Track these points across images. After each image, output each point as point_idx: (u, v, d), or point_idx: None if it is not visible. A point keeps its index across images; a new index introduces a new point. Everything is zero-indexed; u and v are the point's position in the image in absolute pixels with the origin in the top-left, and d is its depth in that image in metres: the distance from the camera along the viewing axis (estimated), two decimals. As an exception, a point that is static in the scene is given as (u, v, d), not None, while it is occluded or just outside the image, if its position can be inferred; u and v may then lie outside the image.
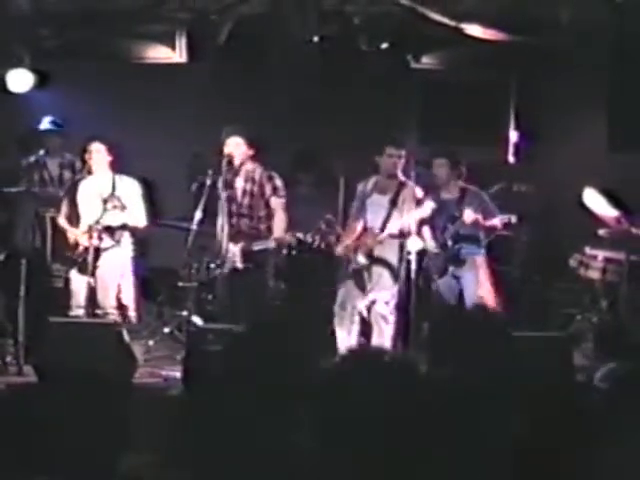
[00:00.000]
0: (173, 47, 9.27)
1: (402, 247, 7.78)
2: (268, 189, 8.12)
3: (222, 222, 8.17)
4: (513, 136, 9.83)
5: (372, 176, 8.10)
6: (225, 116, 8.82)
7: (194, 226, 8.15)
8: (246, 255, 8.05)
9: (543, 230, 9.52)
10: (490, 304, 7.88)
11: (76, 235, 8.00)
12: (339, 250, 8.02)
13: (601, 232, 8.19)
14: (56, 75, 9.07)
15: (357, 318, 7.89)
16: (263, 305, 7.96)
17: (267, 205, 8.13)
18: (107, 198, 7.88)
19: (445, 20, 8.57)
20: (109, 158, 8.03)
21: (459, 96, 9.80)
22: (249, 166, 8.15)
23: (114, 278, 7.99)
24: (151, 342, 8.37)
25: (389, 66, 9.30)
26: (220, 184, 8.15)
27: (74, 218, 8.12)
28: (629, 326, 7.93)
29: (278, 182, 8.15)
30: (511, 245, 9.22)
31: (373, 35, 9.07)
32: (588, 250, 8.31)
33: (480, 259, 8.12)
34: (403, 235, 7.79)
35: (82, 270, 7.86)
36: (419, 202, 7.77)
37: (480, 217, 7.88)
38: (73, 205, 8.16)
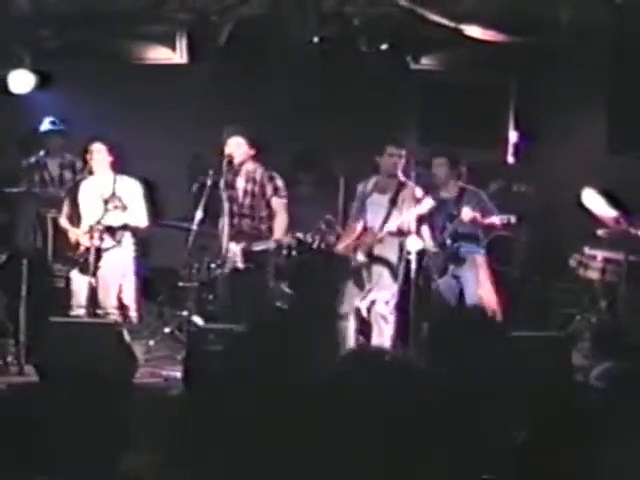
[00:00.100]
0: (173, 48, 9.29)
1: (402, 247, 7.80)
2: (269, 189, 8.13)
3: (223, 222, 8.19)
4: (513, 136, 9.84)
5: (372, 176, 8.13)
6: (225, 117, 8.84)
7: (195, 226, 8.18)
8: (247, 255, 8.07)
9: (543, 230, 9.53)
10: (490, 303, 7.89)
11: (77, 235, 8.01)
12: (339, 248, 8.04)
13: (600, 232, 8.20)
14: (57, 76, 9.08)
15: (355, 317, 7.90)
16: (263, 305, 7.98)
17: (268, 205, 8.14)
18: (108, 198, 7.88)
19: (444, 21, 8.58)
20: (110, 158, 8.04)
21: (459, 97, 9.82)
22: (250, 166, 8.16)
23: (115, 278, 8.00)
24: (152, 342, 8.38)
25: (389, 67, 9.31)
26: (221, 184, 8.17)
27: (75, 218, 8.13)
28: (628, 326, 7.94)
29: (279, 182, 8.17)
30: (511, 245, 9.23)
31: (373, 36, 9.08)
32: (587, 250, 8.31)
33: (480, 258, 8.12)
34: (402, 233, 7.81)
35: (83, 270, 7.87)
36: (418, 201, 7.79)
37: (478, 215, 7.89)
38: (74, 205, 8.17)
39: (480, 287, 7.98)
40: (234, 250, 8.08)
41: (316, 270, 8.40)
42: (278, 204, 8.13)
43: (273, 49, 8.99)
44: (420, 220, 7.84)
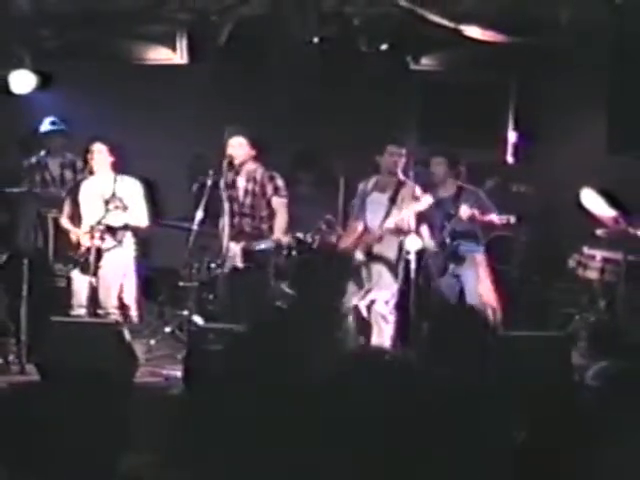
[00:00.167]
0: (174, 48, 9.29)
1: (401, 246, 7.82)
2: (270, 189, 8.16)
3: (223, 222, 8.22)
4: (512, 137, 9.85)
5: (373, 176, 8.16)
6: (225, 117, 8.85)
7: (195, 226, 8.20)
8: (247, 255, 8.09)
9: (542, 230, 9.54)
10: (490, 301, 7.90)
11: (78, 235, 8.02)
12: (340, 246, 8.08)
13: (599, 232, 8.21)
14: (57, 76, 9.08)
15: (355, 316, 7.92)
16: (263, 305, 7.99)
17: (269, 205, 8.17)
18: (109, 199, 7.89)
19: (444, 21, 8.58)
20: (111, 159, 8.05)
21: (458, 97, 9.82)
22: (251, 166, 8.18)
23: (116, 278, 8.02)
24: (152, 341, 8.40)
25: (388, 67, 9.31)
26: (221, 184, 8.19)
27: (76, 218, 8.14)
28: (626, 326, 7.95)
29: (279, 182, 8.19)
30: (510, 245, 9.24)
31: (372, 36, 9.08)
32: (586, 250, 8.32)
33: (480, 257, 8.13)
34: (401, 231, 7.83)
35: (84, 270, 7.88)
36: (417, 199, 7.81)
37: (477, 212, 7.89)
38: (75, 205, 8.18)
39: (480, 285, 7.98)
40: (234, 250, 8.10)
41: (316, 270, 8.41)
42: (278, 204, 8.16)
43: (273, 49, 9.00)
44: (419, 218, 7.86)
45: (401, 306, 7.82)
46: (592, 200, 8.21)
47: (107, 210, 7.87)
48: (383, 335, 7.82)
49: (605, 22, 8.71)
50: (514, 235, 9.22)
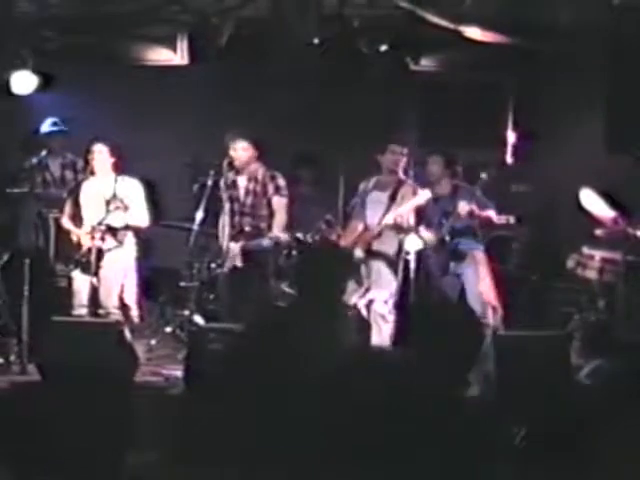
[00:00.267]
0: (174, 49, 9.31)
1: (400, 244, 7.84)
2: (271, 188, 8.20)
3: (224, 222, 8.25)
4: (512, 137, 9.86)
5: (374, 176, 8.20)
6: (226, 117, 8.90)
7: (196, 226, 8.24)
8: (246, 254, 8.12)
9: (542, 230, 9.55)
10: (490, 299, 7.91)
11: (79, 236, 8.05)
12: (340, 245, 8.10)
13: (598, 232, 8.21)
14: (59, 77, 9.10)
15: (354, 315, 7.94)
16: (264, 305, 8.01)
17: (269, 204, 8.21)
18: (109, 199, 7.91)
19: (444, 22, 8.59)
20: (111, 159, 8.07)
21: (458, 97, 9.85)
22: (252, 166, 8.23)
23: (117, 278, 8.04)
24: (153, 341, 8.42)
25: (388, 68, 9.34)
26: (222, 184, 8.23)
27: (77, 219, 8.16)
28: (625, 325, 7.96)
29: (281, 181, 8.24)
30: (510, 245, 9.26)
31: (372, 37, 9.10)
32: (585, 250, 8.33)
33: (479, 255, 8.12)
34: (400, 229, 7.85)
35: (85, 270, 7.90)
36: (416, 194, 7.84)
37: (475, 207, 7.90)
38: (76, 206, 8.20)
39: (481, 284, 7.99)
40: (234, 249, 8.13)
41: (316, 270, 8.42)
42: (279, 203, 8.20)
43: (273, 50, 9.00)
44: (418, 215, 7.88)
45: (401, 306, 7.83)
46: (591, 200, 8.22)
47: (108, 211, 7.89)
48: (382, 335, 7.84)
49: (604, 22, 8.72)
50: (514, 235, 9.23)
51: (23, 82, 9.08)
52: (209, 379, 5.22)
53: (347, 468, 2.82)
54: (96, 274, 7.87)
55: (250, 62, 9.30)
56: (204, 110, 9.70)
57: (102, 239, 7.89)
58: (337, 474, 2.83)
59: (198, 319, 8.29)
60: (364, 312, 7.94)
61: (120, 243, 8.00)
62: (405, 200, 7.92)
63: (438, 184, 8.12)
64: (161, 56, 9.43)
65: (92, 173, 8.16)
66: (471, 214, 7.85)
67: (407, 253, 7.72)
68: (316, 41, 8.86)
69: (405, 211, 7.84)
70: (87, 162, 8.20)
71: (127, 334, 7.28)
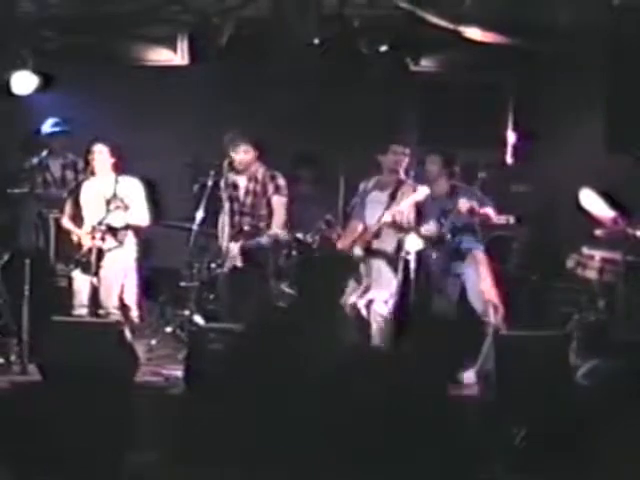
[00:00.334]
0: (175, 49, 9.31)
1: (400, 243, 7.84)
2: (271, 188, 8.22)
3: (223, 221, 8.26)
4: (512, 137, 9.87)
5: (374, 176, 8.21)
6: (226, 117, 8.91)
7: (196, 226, 8.26)
8: (246, 254, 8.13)
9: (541, 230, 9.55)
10: (492, 298, 7.91)
11: (79, 236, 8.05)
12: (340, 245, 8.11)
13: (598, 232, 8.21)
14: (59, 77, 9.11)
15: (354, 315, 7.95)
16: (264, 305, 8.02)
17: (269, 204, 8.23)
18: (110, 199, 7.92)
19: (444, 23, 8.60)
20: (112, 159, 8.07)
21: (458, 98, 9.85)
22: (252, 166, 8.25)
23: (117, 278, 8.04)
24: (153, 341, 8.43)
25: (388, 68, 9.34)
26: (222, 184, 8.24)
27: (78, 219, 8.17)
28: (625, 325, 7.96)
29: (281, 181, 8.26)
30: (510, 245, 9.26)
31: (372, 38, 9.10)
32: (585, 250, 8.32)
33: (480, 254, 8.12)
34: (399, 227, 7.86)
35: (85, 270, 7.91)
36: (415, 191, 7.84)
37: (475, 204, 7.89)
38: (76, 206, 8.21)
39: (482, 283, 7.98)
40: (234, 249, 8.14)
41: (316, 270, 8.43)
42: (278, 202, 8.22)
43: (274, 50, 9.01)
44: (417, 214, 7.88)
45: (401, 306, 7.83)
46: (591, 200, 8.22)
47: (108, 210, 7.89)
48: (382, 335, 7.83)
49: (604, 22, 8.72)
50: (514, 235, 9.23)
51: (23, 82, 9.08)
52: (209, 379, 5.24)
53: (347, 468, 2.83)
54: (96, 274, 7.87)
55: (250, 62, 9.31)
56: (204, 110, 9.71)
57: (102, 239, 7.89)
58: (337, 474, 2.85)
59: (198, 319, 8.30)
60: (364, 312, 7.94)
61: (120, 243, 8.00)
62: (405, 198, 7.93)
63: (436, 184, 8.11)
64: (161, 56, 9.43)
65: (92, 173, 8.16)
66: (471, 211, 7.85)
67: (407, 253, 7.72)
68: (316, 41, 8.87)
69: (404, 207, 7.84)
70: (87, 162, 8.20)
71: (127, 334, 7.30)
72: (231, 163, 8.18)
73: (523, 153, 9.78)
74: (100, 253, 7.90)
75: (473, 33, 8.74)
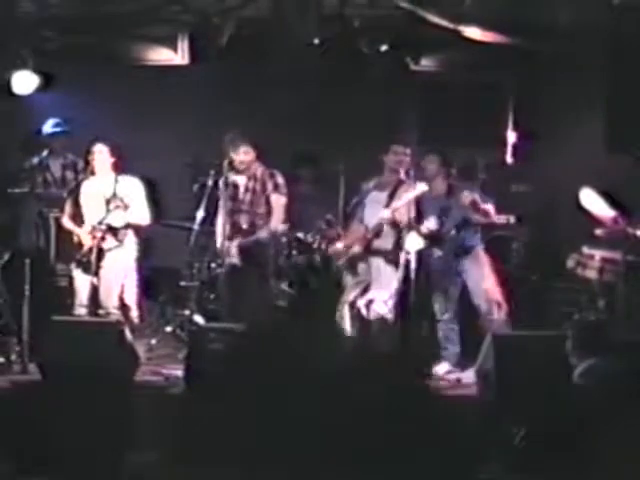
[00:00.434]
0: (175, 49, 9.32)
1: (399, 243, 7.85)
2: (270, 185, 8.24)
3: (222, 220, 8.27)
4: (512, 137, 9.87)
5: (375, 176, 8.23)
6: (226, 117, 8.92)
7: (196, 226, 8.27)
8: (245, 252, 8.14)
9: (542, 230, 9.55)
10: (496, 296, 7.92)
11: (80, 235, 8.05)
12: (340, 245, 8.11)
13: (598, 232, 8.21)
14: (59, 77, 9.11)
15: (354, 315, 7.95)
16: (264, 304, 8.03)
17: (267, 202, 8.24)
18: (110, 198, 7.92)
19: (444, 22, 8.60)
20: (112, 159, 8.08)
21: (458, 97, 9.86)
22: (252, 166, 8.27)
23: (117, 278, 8.04)
24: (153, 341, 8.43)
25: (389, 68, 9.35)
26: (221, 183, 8.25)
27: (78, 218, 8.17)
28: (627, 325, 7.96)
29: (279, 179, 8.28)
30: (510, 245, 9.26)
31: (373, 37, 9.10)
32: (585, 250, 8.33)
33: (481, 253, 8.12)
34: (399, 225, 7.86)
35: (86, 270, 7.91)
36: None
37: (477, 197, 7.89)
38: (76, 206, 8.21)
39: (485, 280, 7.98)
40: (231, 247, 8.15)
41: (316, 269, 8.44)
42: (277, 200, 8.23)
43: (274, 50, 9.02)
44: (416, 213, 7.89)
45: (401, 306, 7.83)
46: (591, 200, 8.22)
47: (108, 210, 7.90)
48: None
49: (604, 22, 8.72)
50: (514, 235, 9.23)
51: (24, 82, 9.08)
52: (209, 379, 5.23)
53: (347, 468, 2.83)
54: (96, 274, 7.88)
55: (250, 62, 9.31)
56: (204, 110, 9.71)
57: (102, 239, 7.90)
58: (337, 474, 2.85)
59: (198, 319, 8.31)
60: (364, 312, 7.95)
61: (120, 243, 8.00)
62: (403, 196, 7.95)
63: (434, 182, 8.12)
64: (161, 56, 9.43)
65: (92, 173, 8.16)
66: (473, 204, 7.84)
67: (407, 253, 7.72)
68: (316, 41, 8.87)
69: (402, 204, 7.84)
70: (87, 162, 8.20)
71: (127, 334, 7.30)
72: (231, 163, 8.19)
73: (523, 153, 9.79)
74: (100, 253, 7.91)
75: (473, 33, 8.74)
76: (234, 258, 8.17)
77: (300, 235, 8.17)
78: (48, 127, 9.11)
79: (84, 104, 9.27)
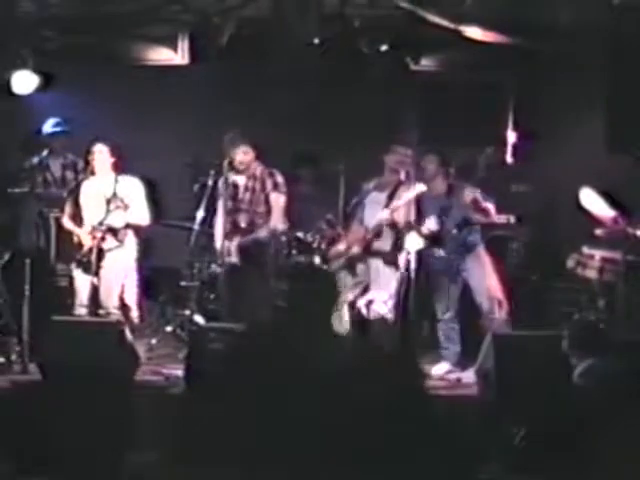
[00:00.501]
0: (175, 49, 9.32)
1: (399, 243, 7.85)
2: (269, 184, 8.25)
3: (222, 219, 8.28)
4: (512, 137, 9.87)
5: (375, 176, 8.23)
6: (226, 117, 8.92)
7: (196, 226, 8.27)
8: (244, 251, 8.15)
9: (542, 230, 9.56)
10: (498, 295, 7.92)
11: (80, 235, 8.06)
12: (340, 245, 8.12)
13: (598, 232, 8.22)
14: (59, 77, 9.12)
15: (354, 315, 7.95)
16: (264, 304, 8.03)
17: (267, 201, 8.25)
18: (110, 198, 7.93)
19: (444, 22, 8.61)
20: (112, 159, 8.09)
21: (458, 97, 9.86)
22: (252, 166, 8.27)
23: (118, 278, 8.05)
24: (154, 341, 8.44)
25: (389, 68, 9.35)
26: (221, 183, 8.26)
27: (78, 218, 8.18)
28: (627, 325, 7.97)
29: (279, 178, 8.29)
30: (510, 245, 9.27)
31: (373, 37, 9.11)
32: (585, 250, 8.33)
33: (483, 252, 8.13)
34: (398, 226, 7.87)
35: (86, 270, 7.92)
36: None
37: (479, 196, 7.90)
38: (76, 206, 8.22)
39: (487, 278, 7.98)
40: (231, 246, 8.16)
41: (316, 269, 8.45)
42: (276, 199, 8.24)
43: (274, 50, 9.02)
44: (416, 213, 7.89)
45: (401, 306, 7.83)
46: (591, 200, 8.22)
47: (108, 210, 7.91)
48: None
49: (604, 22, 8.72)
50: (514, 235, 9.23)
51: (23, 82, 9.09)
52: (210, 378, 5.23)
53: (347, 468, 2.83)
54: (97, 274, 7.88)
55: (250, 62, 9.32)
56: (204, 110, 9.72)
57: (102, 239, 7.90)
58: (337, 473, 2.85)
59: (199, 318, 8.32)
60: (364, 312, 7.95)
61: (121, 243, 8.01)
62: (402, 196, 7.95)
63: (433, 182, 8.12)
64: (162, 56, 9.44)
65: (92, 173, 8.17)
66: (475, 202, 7.85)
67: (407, 253, 7.73)
68: (316, 41, 8.88)
69: (401, 204, 7.85)
70: (87, 162, 8.21)
71: (127, 334, 7.30)
72: (231, 163, 8.19)
73: (523, 153, 9.79)
74: (100, 253, 7.91)
75: (473, 32, 8.75)
76: (234, 258, 8.18)
77: (300, 235, 8.17)
78: (48, 127, 9.11)
79: (84, 104, 9.28)
